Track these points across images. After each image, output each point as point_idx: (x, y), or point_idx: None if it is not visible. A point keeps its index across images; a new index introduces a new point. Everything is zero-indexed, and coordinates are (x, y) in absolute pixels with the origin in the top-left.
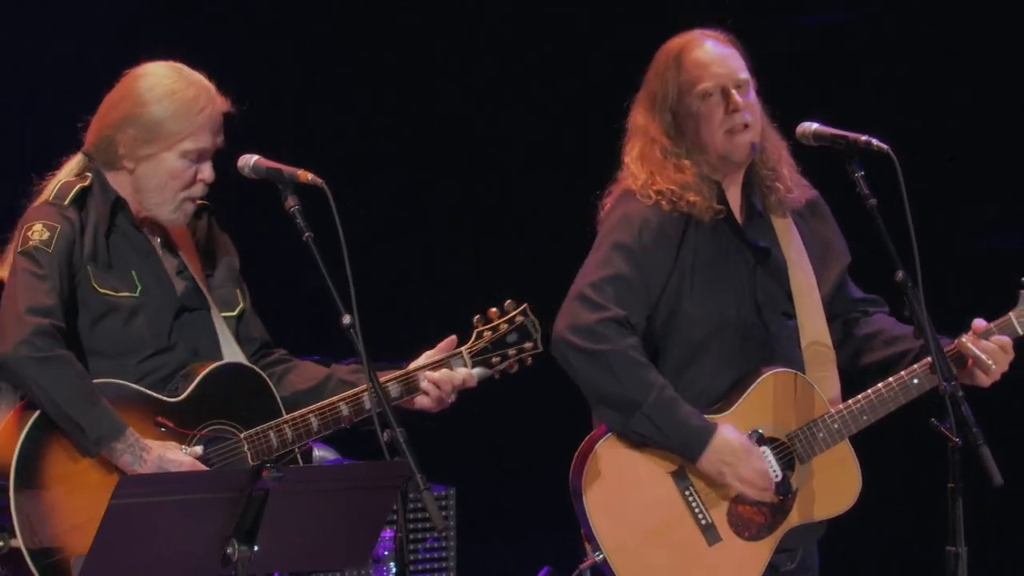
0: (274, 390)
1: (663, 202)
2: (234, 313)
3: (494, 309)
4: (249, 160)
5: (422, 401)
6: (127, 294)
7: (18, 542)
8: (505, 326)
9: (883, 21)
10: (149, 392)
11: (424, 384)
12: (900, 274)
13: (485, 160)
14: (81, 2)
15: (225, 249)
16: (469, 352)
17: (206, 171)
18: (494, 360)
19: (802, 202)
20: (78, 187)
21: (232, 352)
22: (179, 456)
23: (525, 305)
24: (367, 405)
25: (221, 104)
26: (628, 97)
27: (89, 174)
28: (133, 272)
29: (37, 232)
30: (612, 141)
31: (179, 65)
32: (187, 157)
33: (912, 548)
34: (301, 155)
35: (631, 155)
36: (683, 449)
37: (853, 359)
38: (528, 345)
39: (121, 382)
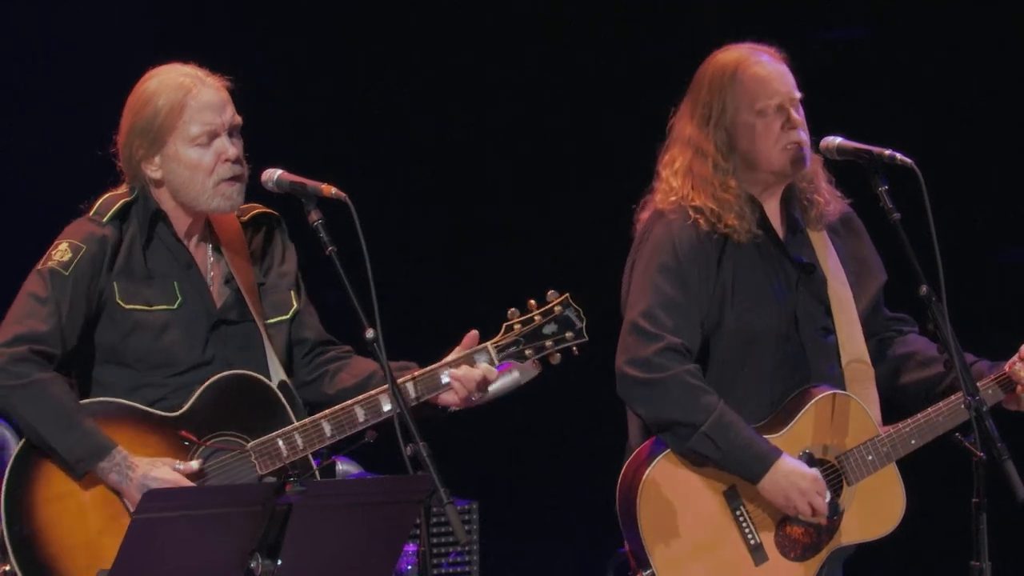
0: (282, 398)
1: (701, 220)
2: (287, 316)
3: (532, 300)
4: (273, 174)
5: (447, 398)
6: (163, 307)
7: (12, 566)
8: (540, 318)
9: (903, 34)
10: (146, 408)
11: (448, 380)
12: (924, 288)
13: (502, 163)
14: (83, 5)
15: (282, 255)
16: (495, 346)
17: (226, 149)
18: (526, 353)
19: (837, 215)
20: (122, 202)
21: (273, 363)
22: (164, 473)
23: (566, 295)
24: (385, 407)
25: (214, 83)
26: (640, 97)
27: (135, 188)
28: (175, 284)
29: (59, 252)
30: (621, 143)
31: (168, 64)
32: (198, 143)
33: (936, 563)
34: (311, 162)
35: (672, 167)
36: (744, 471)
37: (889, 378)
38: (570, 335)
39: (116, 400)
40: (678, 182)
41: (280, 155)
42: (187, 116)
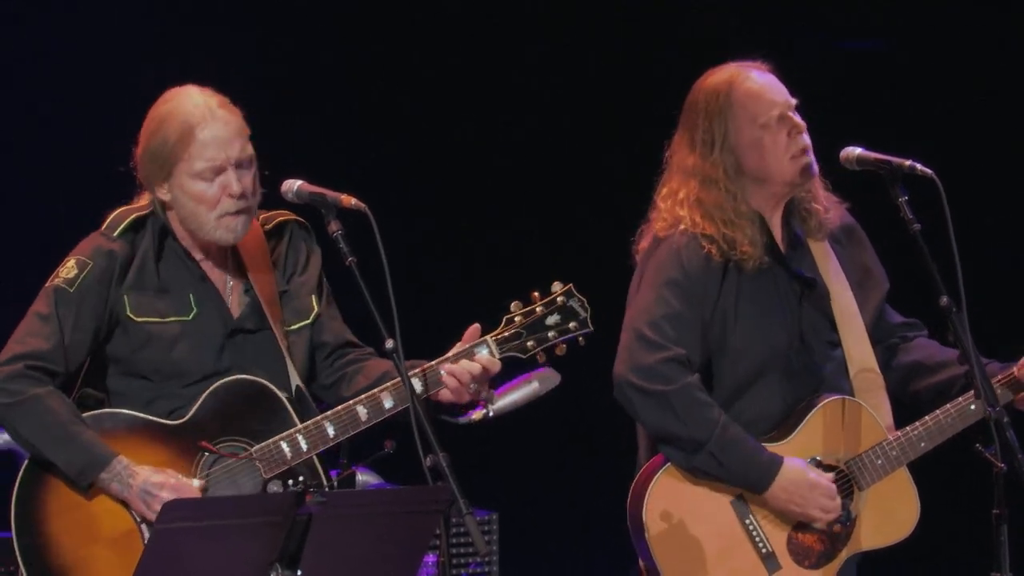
0: (284, 400)
1: (713, 249)
2: (308, 321)
3: (536, 292)
4: (292, 185)
5: (443, 393)
6: (176, 318)
7: None
8: (542, 309)
9: (922, 45)
10: (150, 417)
11: (443, 376)
12: (944, 299)
13: (503, 159)
14: (83, 6)
15: (306, 260)
16: (495, 339)
17: (231, 184)
18: (529, 345)
19: (837, 223)
20: (133, 216)
21: (291, 370)
22: (163, 478)
23: (569, 285)
24: (386, 404)
25: (225, 115)
26: (644, 96)
27: (152, 202)
28: (190, 295)
29: (66, 270)
30: (624, 141)
31: (186, 88)
32: (202, 178)
33: (956, 575)
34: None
35: (674, 198)
36: (749, 484)
37: (900, 386)
38: (574, 325)
39: (120, 411)
40: (685, 211)
41: (280, 156)
42: (194, 150)
